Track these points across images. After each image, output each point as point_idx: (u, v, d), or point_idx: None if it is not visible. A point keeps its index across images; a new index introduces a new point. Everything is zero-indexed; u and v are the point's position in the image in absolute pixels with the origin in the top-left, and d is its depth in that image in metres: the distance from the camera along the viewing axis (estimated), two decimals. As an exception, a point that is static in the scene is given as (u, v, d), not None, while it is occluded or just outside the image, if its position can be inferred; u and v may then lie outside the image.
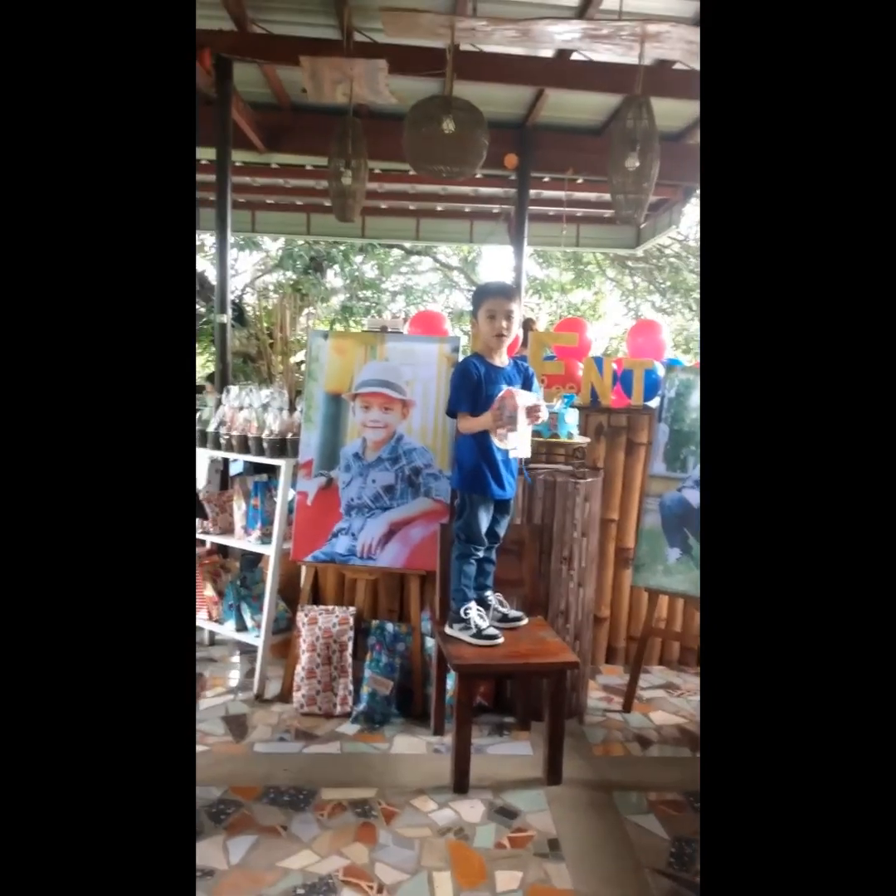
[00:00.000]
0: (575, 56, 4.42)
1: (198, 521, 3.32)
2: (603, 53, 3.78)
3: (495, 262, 13.90)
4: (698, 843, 2.22)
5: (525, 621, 2.66)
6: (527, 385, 2.62)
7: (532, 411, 2.44)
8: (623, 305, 14.16)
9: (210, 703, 2.98)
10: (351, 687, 2.92)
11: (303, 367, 7.88)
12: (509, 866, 2.09)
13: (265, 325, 9.99)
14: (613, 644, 3.54)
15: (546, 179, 6.46)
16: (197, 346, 11.82)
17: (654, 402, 3.38)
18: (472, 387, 2.53)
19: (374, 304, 13.35)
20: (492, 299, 2.56)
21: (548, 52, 4.44)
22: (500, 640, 2.49)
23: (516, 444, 2.46)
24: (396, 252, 13.25)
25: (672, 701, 3.19)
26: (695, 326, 12.04)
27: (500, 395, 2.43)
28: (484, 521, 2.58)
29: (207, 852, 2.09)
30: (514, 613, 2.67)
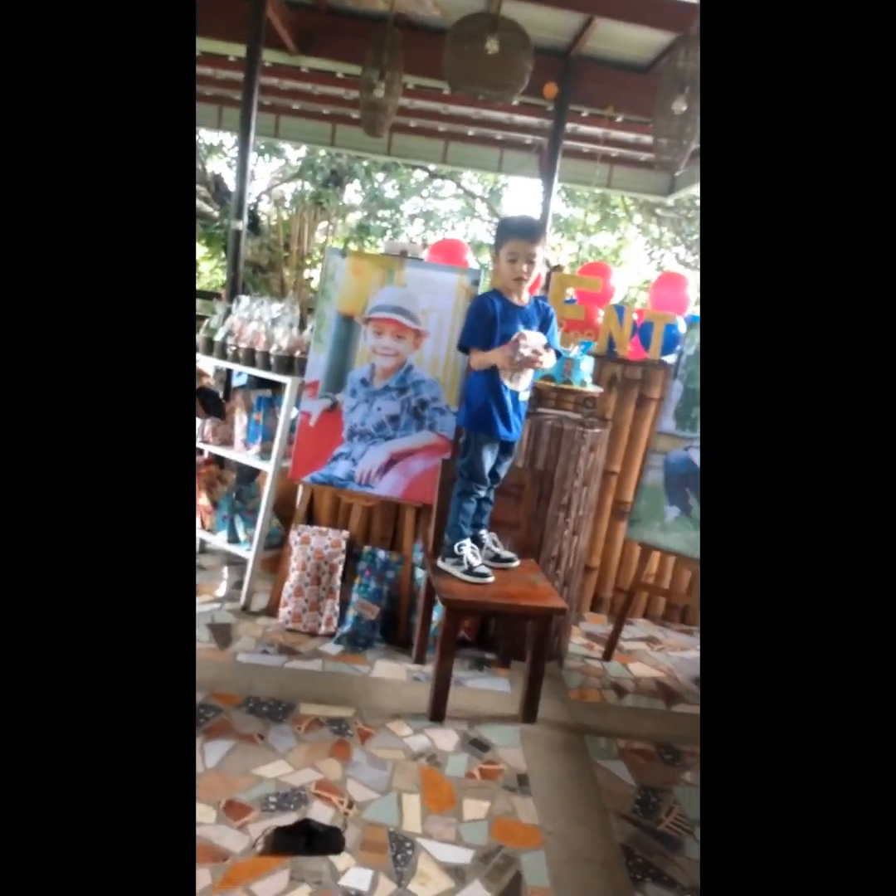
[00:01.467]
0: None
1: (208, 422, 3.29)
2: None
3: (521, 194, 13.56)
4: (663, 793, 2.28)
5: (517, 563, 2.67)
6: (544, 326, 2.56)
7: (532, 358, 2.40)
8: (646, 255, 13.87)
9: (197, 609, 3.01)
10: (337, 608, 2.95)
11: (312, 283, 7.76)
12: (478, 796, 2.15)
13: (280, 235, 9.78)
14: (600, 593, 3.57)
15: (584, 114, 6.21)
16: (208, 251, 11.60)
17: (671, 358, 3.32)
18: (487, 323, 2.47)
19: (391, 226, 13.06)
20: (515, 240, 2.46)
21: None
22: (491, 580, 2.50)
23: (526, 384, 2.43)
24: (419, 173, 12.87)
25: (652, 654, 3.24)
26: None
27: (515, 335, 2.38)
28: (488, 461, 2.56)
29: (185, 754, 2.14)
30: (506, 554, 2.68)
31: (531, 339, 2.38)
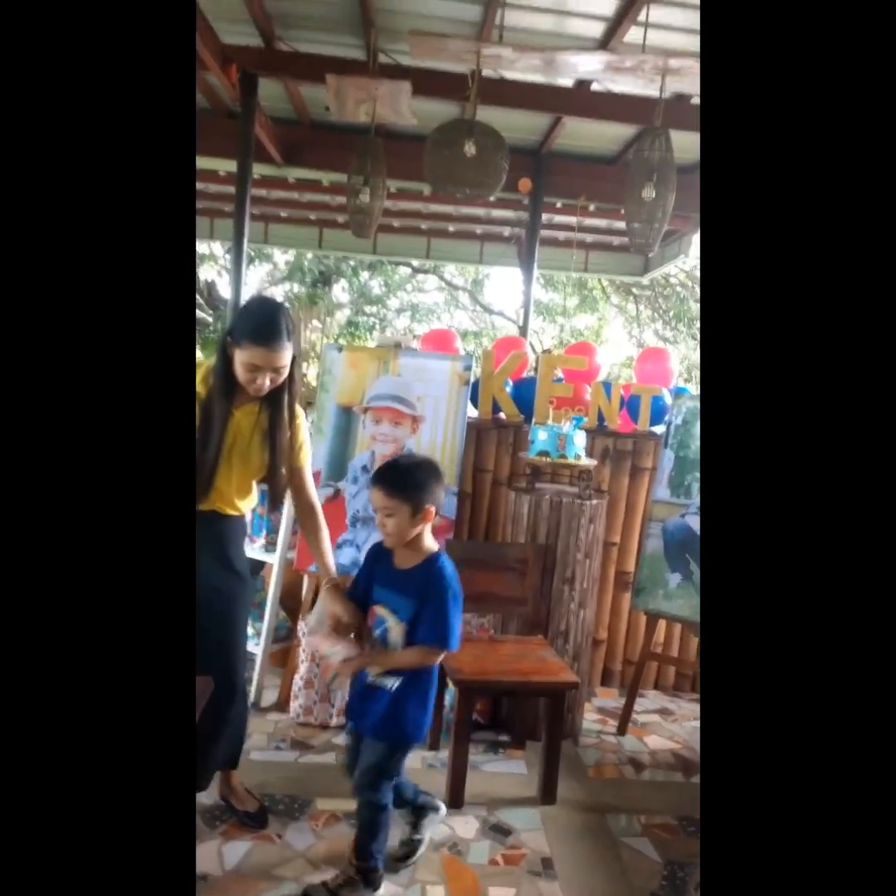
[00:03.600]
0: (594, 86, 4.50)
1: None
2: (623, 85, 3.86)
3: (502, 283, 14.04)
4: (690, 868, 2.23)
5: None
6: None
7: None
8: (626, 332, 14.26)
9: (207, 708, 2.98)
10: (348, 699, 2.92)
11: (307, 378, 7.95)
12: (503, 883, 2.10)
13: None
14: (609, 666, 3.55)
15: (558, 205, 6.55)
16: (204, 356, 11.88)
17: (659, 429, 3.42)
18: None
19: (379, 321, 13.43)
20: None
21: (567, 82, 4.52)
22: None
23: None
24: (404, 270, 13.35)
25: (666, 726, 3.20)
26: (698, 356, 12.12)
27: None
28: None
29: (202, 857, 2.10)
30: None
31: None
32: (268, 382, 1.97)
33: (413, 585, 1.91)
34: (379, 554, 2.03)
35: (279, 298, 12.87)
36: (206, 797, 2.32)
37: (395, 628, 1.92)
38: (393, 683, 1.92)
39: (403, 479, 1.88)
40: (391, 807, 2.02)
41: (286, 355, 1.96)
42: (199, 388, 2.02)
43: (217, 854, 2.12)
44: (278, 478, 2.13)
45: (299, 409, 2.19)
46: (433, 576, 1.91)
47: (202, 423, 2.00)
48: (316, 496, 2.26)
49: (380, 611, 1.96)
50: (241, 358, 1.94)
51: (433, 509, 1.91)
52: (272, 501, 2.28)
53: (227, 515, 2.12)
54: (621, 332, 14.43)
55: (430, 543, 1.98)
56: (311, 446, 2.27)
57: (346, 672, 1.94)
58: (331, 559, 2.19)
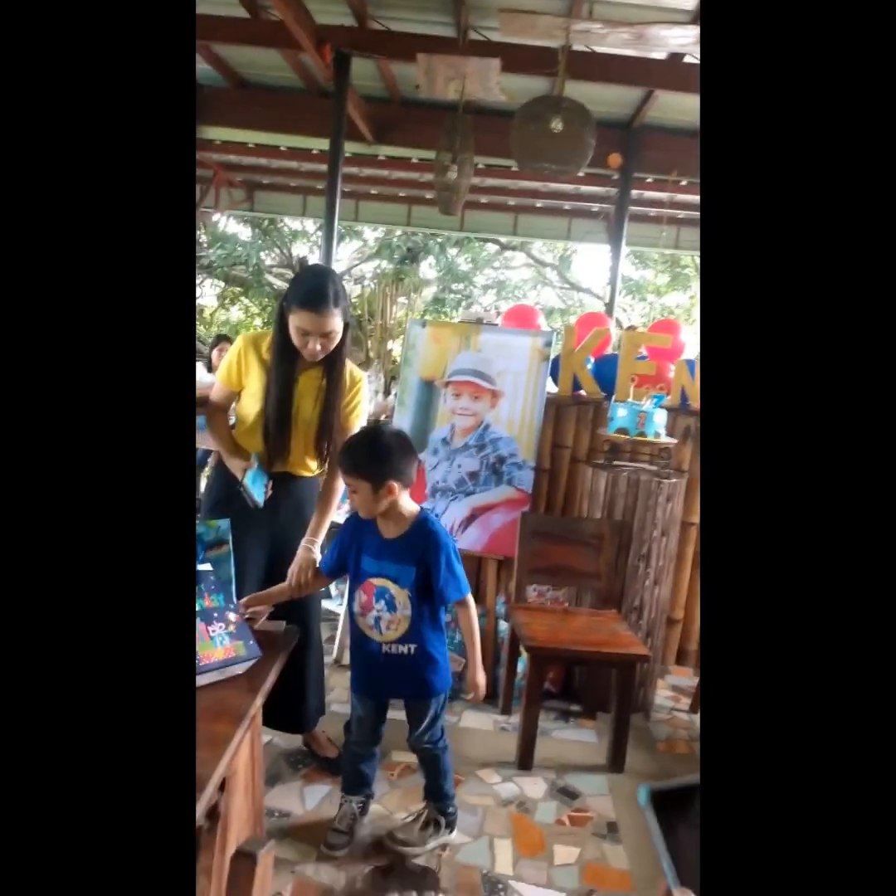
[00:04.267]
0: (687, 59, 4.40)
1: None
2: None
3: (591, 260, 13.83)
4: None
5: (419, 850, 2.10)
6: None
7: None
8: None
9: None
10: (425, 661, 3.04)
11: (394, 353, 8.10)
12: (568, 842, 2.17)
13: (360, 312, 10.25)
14: (685, 646, 3.55)
15: (649, 180, 6.43)
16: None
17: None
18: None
19: (465, 297, 13.48)
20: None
21: (660, 55, 4.44)
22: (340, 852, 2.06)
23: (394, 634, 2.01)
24: (491, 246, 13.33)
25: (741, 707, 3.19)
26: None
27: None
28: (358, 711, 2.17)
29: (285, 796, 2.26)
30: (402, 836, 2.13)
31: None
32: (319, 347, 2.03)
33: (409, 552, 1.93)
34: (359, 526, 2.00)
35: (368, 275, 13.08)
36: (289, 743, 2.48)
37: (399, 595, 1.95)
38: (409, 647, 1.99)
39: (358, 456, 1.87)
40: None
41: (335, 320, 2.02)
42: (266, 356, 2.14)
43: (299, 795, 2.27)
44: (329, 439, 2.17)
45: (361, 374, 2.26)
46: (429, 539, 1.93)
47: (268, 389, 2.11)
48: None
49: (377, 582, 1.96)
50: (293, 322, 2.02)
51: (397, 485, 1.88)
52: (320, 462, 2.27)
53: (299, 477, 2.25)
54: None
55: (411, 507, 1.97)
56: (366, 413, 2.30)
57: (481, 695, 2.05)
58: (325, 525, 2.18)
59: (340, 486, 2.16)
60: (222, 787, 1.48)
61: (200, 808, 1.26)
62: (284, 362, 2.11)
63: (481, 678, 2.05)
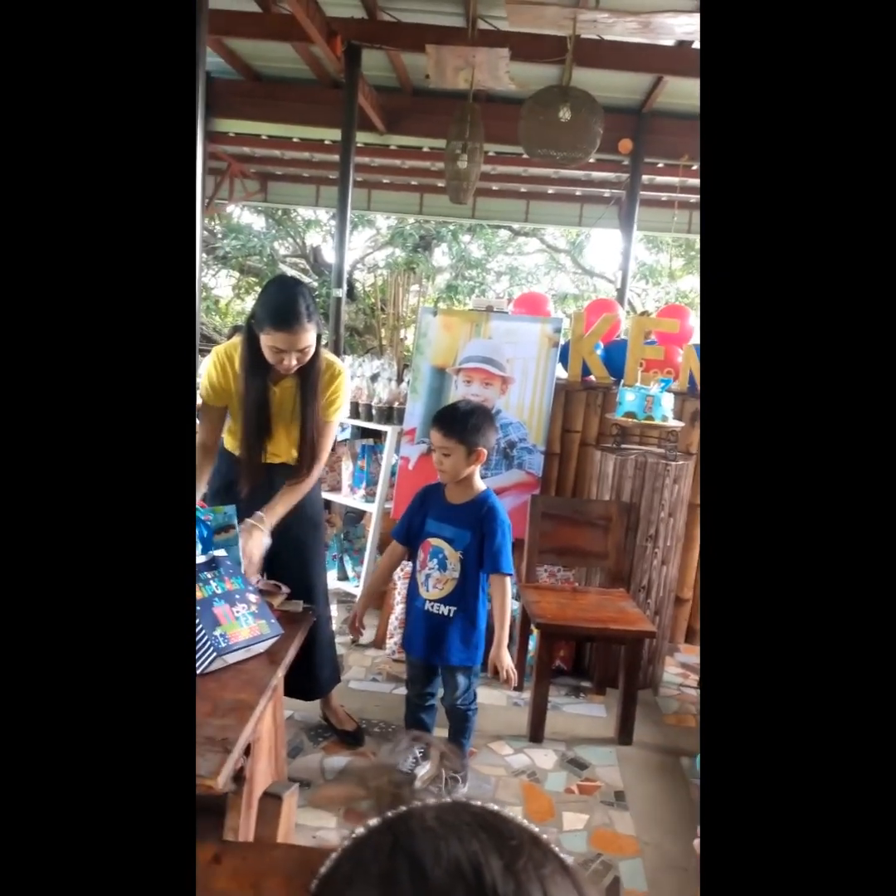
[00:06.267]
0: (695, 46, 4.42)
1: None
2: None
3: (604, 245, 13.81)
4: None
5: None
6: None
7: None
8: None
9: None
10: (439, 640, 3.14)
11: (406, 341, 8.18)
12: (576, 809, 2.27)
13: (373, 300, 10.34)
14: (694, 625, 3.63)
15: (660, 165, 6.45)
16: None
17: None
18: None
19: (478, 284, 13.51)
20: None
21: (668, 42, 4.46)
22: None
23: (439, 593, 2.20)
24: (504, 233, 13.35)
25: (748, 683, 3.27)
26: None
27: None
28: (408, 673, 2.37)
29: (307, 766, 2.37)
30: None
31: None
32: (295, 362, 2.02)
33: (468, 519, 2.14)
34: (429, 493, 2.25)
35: (381, 263, 13.13)
36: (310, 716, 2.59)
37: (451, 556, 2.16)
38: (450, 609, 2.17)
39: (461, 422, 2.08)
40: None
41: (308, 336, 1.99)
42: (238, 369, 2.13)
43: (319, 765, 2.38)
44: (307, 448, 2.17)
45: (342, 366, 2.25)
46: (489, 512, 2.14)
47: (242, 401, 2.12)
48: (325, 454, 2.25)
49: (434, 542, 2.18)
50: (267, 342, 1.99)
51: (484, 451, 2.12)
52: (301, 468, 2.21)
53: (292, 466, 2.25)
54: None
55: (479, 483, 2.21)
56: (347, 406, 2.33)
57: (503, 675, 2.17)
58: (280, 508, 2.14)
59: (313, 479, 2.22)
60: (247, 752, 1.58)
61: (227, 770, 1.37)
62: (256, 378, 2.09)
63: (505, 657, 2.15)
